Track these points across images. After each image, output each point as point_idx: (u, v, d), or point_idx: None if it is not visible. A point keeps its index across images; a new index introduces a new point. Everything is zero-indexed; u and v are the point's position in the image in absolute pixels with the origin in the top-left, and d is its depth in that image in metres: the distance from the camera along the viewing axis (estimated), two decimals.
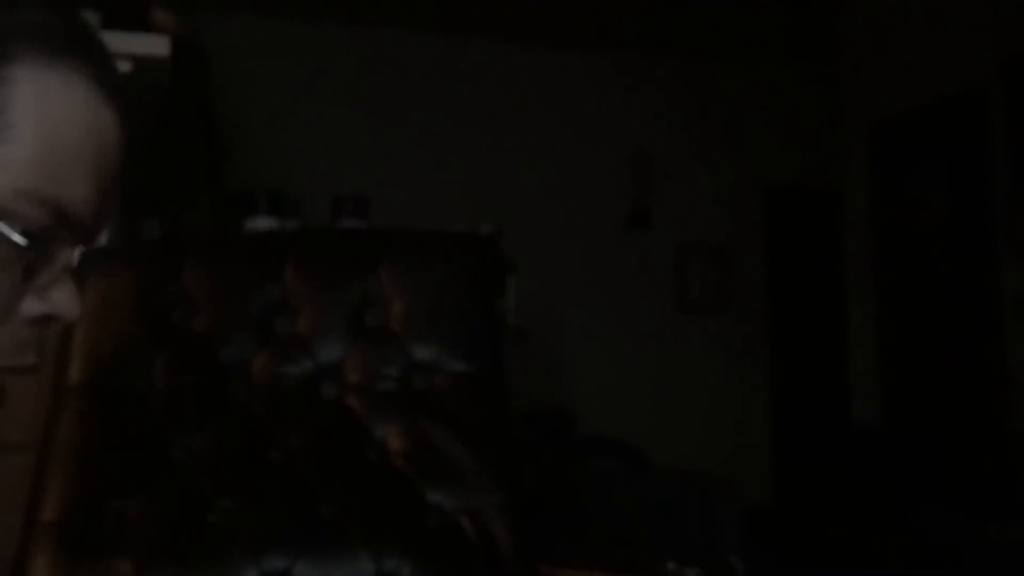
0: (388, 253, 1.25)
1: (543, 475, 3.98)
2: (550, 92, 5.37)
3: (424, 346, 1.21)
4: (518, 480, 1.19)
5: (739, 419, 5.47)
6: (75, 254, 0.58)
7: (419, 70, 5.17)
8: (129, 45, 1.60)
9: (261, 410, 1.18)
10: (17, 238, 0.52)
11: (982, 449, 3.66)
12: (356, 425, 1.18)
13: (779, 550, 4.27)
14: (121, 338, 1.20)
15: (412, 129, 5.12)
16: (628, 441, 4.53)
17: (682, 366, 5.42)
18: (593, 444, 4.51)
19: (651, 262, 5.46)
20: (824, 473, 4.56)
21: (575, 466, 4.32)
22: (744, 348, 5.57)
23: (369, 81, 5.10)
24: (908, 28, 4.25)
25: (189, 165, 2.42)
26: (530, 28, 5.15)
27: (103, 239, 1.56)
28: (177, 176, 2.35)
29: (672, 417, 5.28)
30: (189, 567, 1.07)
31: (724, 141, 5.62)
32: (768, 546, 4.38)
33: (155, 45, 1.63)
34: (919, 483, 3.72)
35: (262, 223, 1.99)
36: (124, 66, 1.60)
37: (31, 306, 0.56)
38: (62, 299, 0.57)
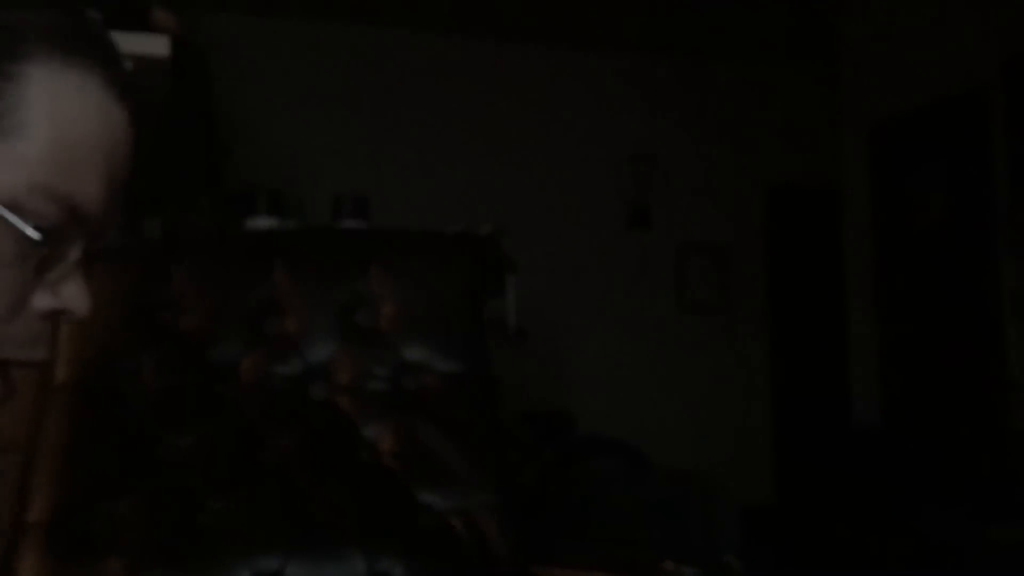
0: (378, 254, 1.25)
1: (543, 475, 3.98)
2: (550, 92, 5.37)
3: (414, 346, 1.20)
4: (509, 479, 1.19)
5: (739, 419, 5.47)
6: (83, 249, 0.59)
7: (419, 70, 5.17)
8: (129, 45, 1.60)
9: (251, 410, 1.18)
10: (31, 233, 0.53)
11: (982, 449, 3.66)
12: (347, 425, 1.17)
13: (779, 550, 4.27)
14: (109, 338, 1.19)
15: (412, 129, 5.12)
16: (628, 441, 4.53)
17: (682, 366, 5.42)
18: (593, 444, 4.51)
19: (651, 262, 5.46)
20: (824, 473, 4.56)
21: (575, 466, 4.32)
22: (744, 348, 5.56)
23: (369, 81, 5.10)
24: (908, 28, 4.25)
25: (189, 165, 2.42)
26: (530, 28, 5.15)
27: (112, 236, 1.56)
28: (177, 176, 2.35)
29: (672, 417, 5.28)
30: (181, 568, 1.07)
31: (724, 141, 5.62)
32: (768, 546, 4.38)
33: (155, 45, 1.63)
34: (919, 483, 3.72)
35: (262, 223, 1.99)
36: (125, 66, 1.60)
37: (42, 300, 0.57)
38: (72, 294, 0.58)
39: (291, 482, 1.13)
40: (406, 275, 1.24)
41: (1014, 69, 3.66)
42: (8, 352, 0.57)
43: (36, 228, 0.53)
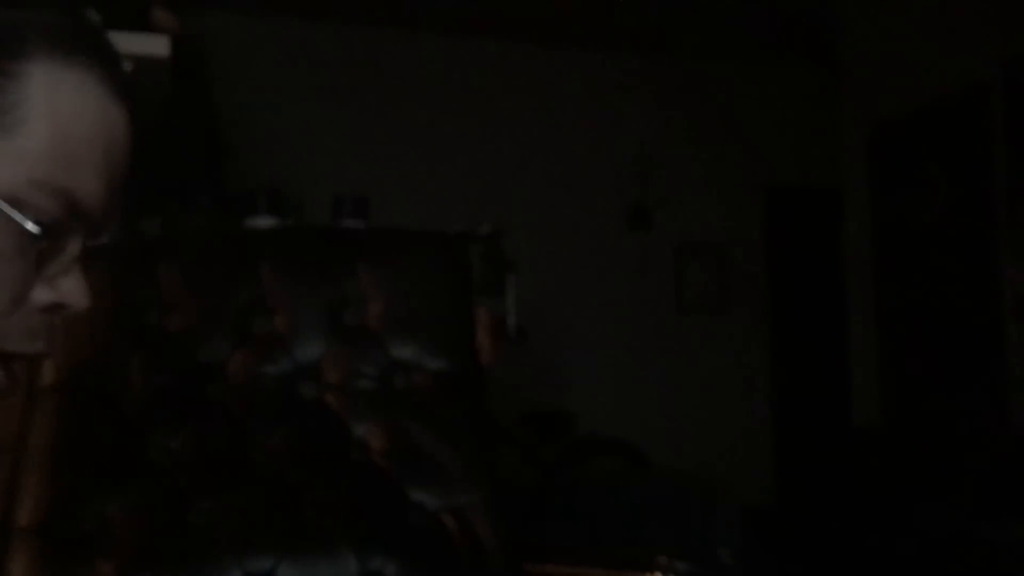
0: (366, 252, 1.25)
1: (543, 475, 3.98)
2: (550, 92, 5.37)
3: (403, 345, 1.20)
4: (500, 477, 1.19)
5: (739, 419, 5.47)
6: (83, 245, 0.60)
7: (419, 70, 5.17)
8: (129, 45, 1.60)
9: (240, 410, 1.17)
10: (31, 227, 0.54)
11: (982, 449, 3.66)
12: (336, 424, 1.17)
13: (779, 550, 4.26)
14: (96, 338, 1.18)
15: (412, 129, 5.12)
16: (628, 441, 4.53)
17: (682, 366, 5.42)
18: (593, 444, 4.51)
19: (651, 262, 5.46)
20: (824, 473, 4.56)
21: (575, 466, 4.32)
22: (744, 348, 5.56)
23: (369, 81, 5.10)
24: (908, 28, 4.25)
25: (189, 165, 2.42)
26: (530, 28, 5.15)
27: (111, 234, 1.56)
28: (177, 176, 2.35)
29: (672, 417, 5.28)
30: (172, 569, 1.06)
31: (724, 141, 5.62)
32: (768, 546, 4.38)
33: (155, 45, 1.63)
34: (919, 483, 3.72)
35: (262, 223, 1.99)
36: (124, 66, 1.60)
37: (42, 294, 0.58)
38: (72, 288, 0.59)
39: (281, 482, 1.13)
40: (394, 273, 1.24)
41: (1014, 69, 3.66)
42: (8, 345, 0.58)
43: (36, 223, 0.54)
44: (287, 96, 4.94)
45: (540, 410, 4.48)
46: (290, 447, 1.15)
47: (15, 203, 0.53)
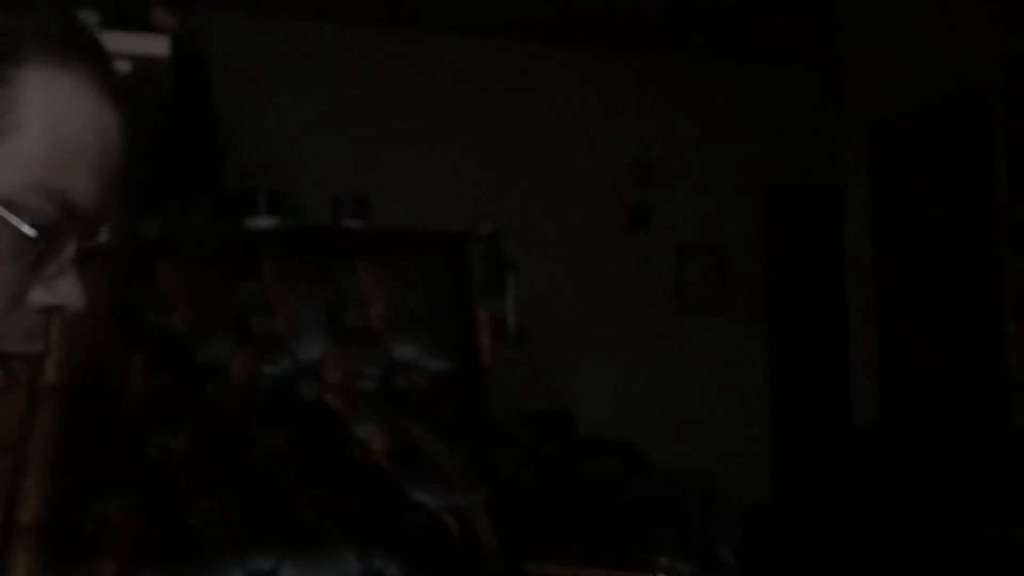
0: (367, 252, 1.25)
1: (543, 475, 3.98)
2: (550, 92, 5.37)
3: (404, 345, 1.20)
4: (501, 478, 1.19)
5: (739, 419, 5.46)
6: (80, 246, 0.61)
7: (419, 70, 5.17)
8: (129, 45, 1.60)
9: (240, 410, 1.17)
10: (27, 230, 0.55)
11: (982, 449, 3.66)
12: (337, 424, 1.17)
13: (779, 550, 4.26)
14: (96, 338, 1.18)
15: (412, 129, 5.12)
16: (628, 441, 4.53)
17: (682, 366, 5.42)
18: (593, 444, 4.51)
19: (651, 262, 5.46)
20: (824, 473, 4.56)
21: (575, 466, 4.32)
22: (744, 348, 5.56)
23: (369, 81, 5.10)
24: (908, 28, 4.25)
25: (189, 165, 2.42)
26: (530, 28, 5.15)
27: (105, 235, 1.56)
28: (177, 176, 2.35)
29: (672, 417, 5.28)
30: (173, 569, 1.07)
31: (724, 141, 5.61)
32: (768, 546, 4.38)
33: (155, 45, 1.63)
34: (919, 483, 3.72)
35: (262, 223, 1.99)
36: (124, 66, 1.60)
37: (39, 296, 0.59)
38: (68, 290, 0.60)
39: (282, 482, 1.13)
40: (395, 273, 1.24)
41: (1014, 69, 3.66)
42: (7, 346, 0.59)
43: (32, 225, 0.55)
44: (287, 96, 4.94)
45: (540, 410, 4.48)
46: (291, 447, 1.15)
47: (11, 206, 0.54)
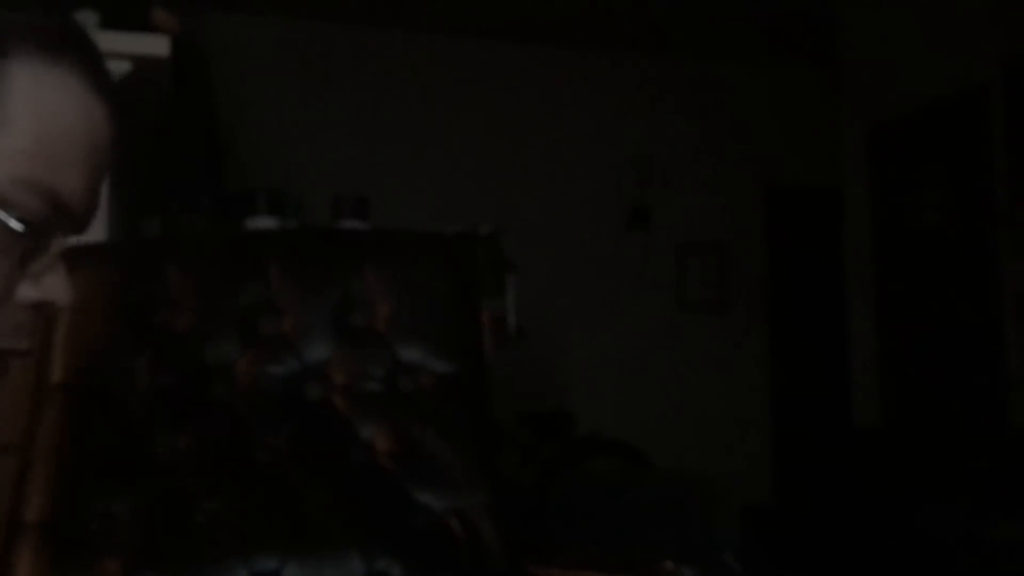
0: (373, 254, 1.25)
1: (543, 475, 3.98)
2: (550, 92, 5.37)
3: (409, 347, 1.20)
4: (505, 480, 1.19)
5: (739, 419, 5.46)
6: (67, 242, 0.61)
7: (419, 70, 5.17)
8: (129, 45, 1.60)
9: (245, 411, 1.17)
10: (14, 225, 0.54)
11: (982, 449, 3.66)
12: (342, 426, 1.17)
13: (779, 550, 4.26)
14: (102, 338, 1.19)
15: (412, 129, 5.12)
16: (628, 441, 4.53)
17: (682, 366, 5.42)
18: (593, 444, 4.51)
19: (651, 262, 5.46)
20: (824, 473, 4.56)
21: (575, 466, 4.32)
22: (744, 348, 5.56)
23: (369, 81, 5.10)
24: (908, 28, 4.25)
25: (189, 165, 2.42)
26: (530, 28, 5.15)
27: (102, 233, 1.56)
28: (177, 176, 2.35)
29: (672, 417, 5.28)
30: (177, 568, 1.07)
31: (724, 141, 5.61)
32: (768, 546, 4.38)
33: (155, 45, 1.63)
34: (919, 483, 3.72)
35: (262, 223, 1.99)
36: (124, 66, 1.60)
37: (26, 292, 0.58)
38: (55, 285, 0.59)
39: (287, 482, 1.13)
40: (401, 275, 1.24)
41: (1014, 69, 3.66)
42: None
43: (19, 220, 0.55)
44: (287, 96, 4.93)
45: (540, 410, 4.48)
46: (295, 448, 1.15)
47: None
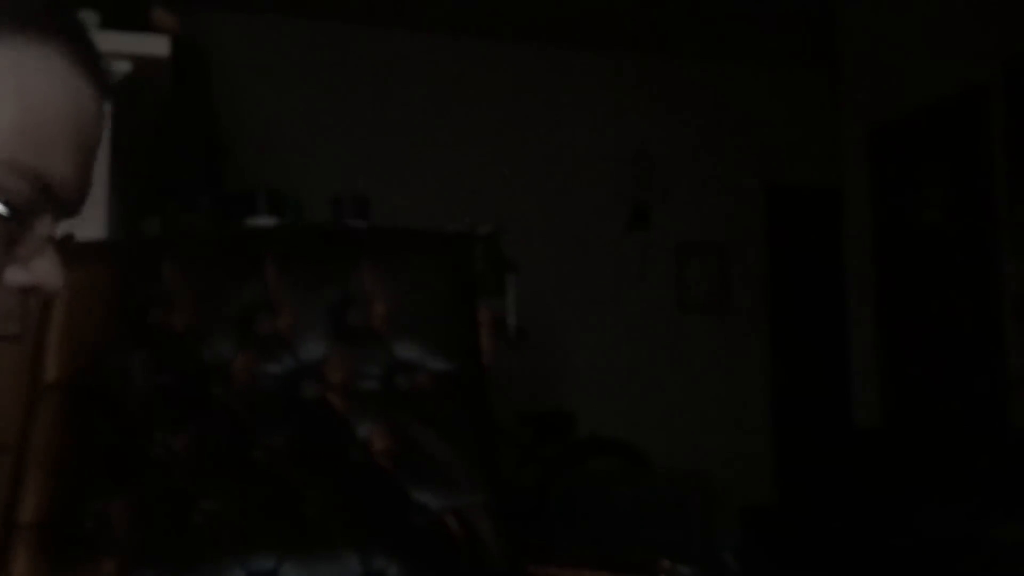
0: (370, 252, 1.25)
1: (543, 475, 3.98)
2: (551, 92, 5.37)
3: (406, 345, 1.20)
4: (503, 479, 1.19)
5: (739, 419, 5.46)
6: (57, 226, 0.59)
7: (419, 70, 5.17)
8: (129, 45, 1.60)
9: (243, 409, 1.17)
10: (0, 208, 0.53)
11: (982, 449, 3.66)
12: (339, 424, 1.17)
13: (779, 550, 4.26)
14: (99, 336, 1.18)
15: (412, 129, 5.12)
16: (628, 441, 4.53)
17: (682, 366, 5.42)
18: (593, 444, 4.52)
19: (651, 262, 5.46)
20: (824, 473, 4.56)
21: (575, 466, 4.33)
22: (744, 348, 5.56)
23: (369, 81, 5.10)
24: (908, 28, 4.25)
25: (189, 165, 2.42)
26: (530, 28, 5.15)
27: (102, 233, 1.56)
28: (177, 176, 2.35)
29: (672, 417, 5.28)
30: (174, 568, 1.06)
31: (724, 141, 5.61)
32: (768, 546, 4.38)
33: (155, 45, 1.63)
34: (919, 483, 3.72)
35: (262, 223, 1.99)
36: (124, 66, 1.60)
37: (14, 276, 0.57)
38: (45, 269, 0.58)
39: (284, 481, 1.13)
40: (398, 273, 1.23)
41: (1014, 69, 3.66)
42: None
43: (5, 203, 0.54)
44: (287, 96, 4.93)
45: (540, 410, 4.48)
46: (293, 447, 1.15)
47: None
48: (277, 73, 4.93)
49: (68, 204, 0.59)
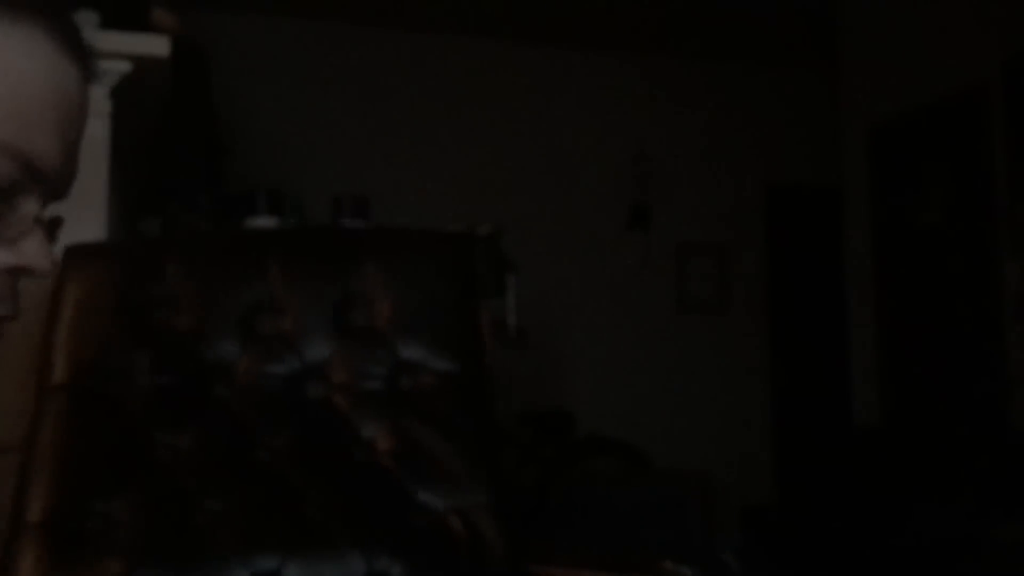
0: (373, 252, 1.25)
1: (543, 475, 3.98)
2: (551, 92, 5.37)
3: (410, 345, 1.20)
4: (505, 479, 1.19)
5: (739, 419, 5.47)
6: (45, 208, 0.59)
7: (419, 70, 5.17)
8: (129, 45, 1.60)
9: (246, 410, 1.17)
10: None
11: (982, 449, 3.66)
12: (343, 425, 1.17)
13: (779, 550, 4.26)
14: (103, 337, 1.18)
15: (412, 129, 5.12)
16: (628, 441, 4.53)
17: (682, 366, 5.42)
18: (593, 444, 4.52)
19: (651, 262, 5.46)
20: (824, 473, 4.56)
21: (575, 466, 4.32)
22: (744, 348, 5.56)
23: (369, 81, 5.10)
24: (908, 28, 4.25)
25: (189, 165, 2.42)
26: (530, 28, 5.15)
27: (102, 233, 1.56)
28: (177, 176, 2.35)
29: (672, 417, 5.28)
30: (177, 568, 1.07)
31: (724, 141, 5.61)
32: (768, 546, 4.38)
33: (155, 45, 1.63)
34: (919, 483, 3.72)
35: (262, 223, 1.99)
36: (124, 66, 1.60)
37: (2, 257, 0.57)
38: (33, 251, 0.58)
39: (287, 482, 1.13)
40: (401, 273, 1.24)
41: (1014, 69, 3.66)
42: None
43: None
44: (287, 96, 4.93)
45: (540, 410, 4.48)
46: (296, 447, 1.15)
47: None
48: (277, 73, 4.93)
49: (54, 185, 0.58)
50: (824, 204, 5.27)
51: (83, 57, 0.59)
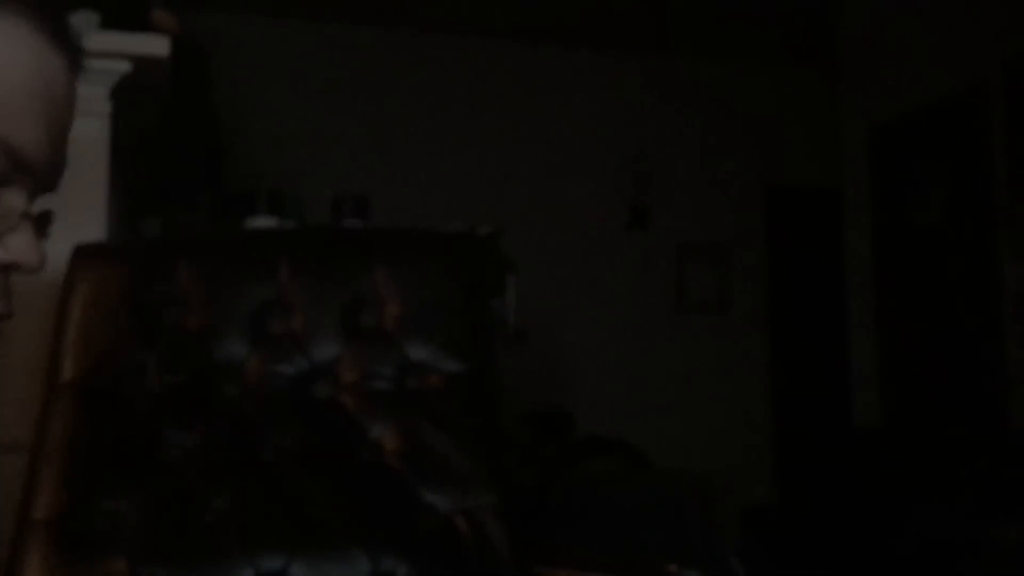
0: (383, 253, 1.25)
1: (543, 475, 3.98)
2: (550, 92, 5.37)
3: (418, 346, 1.20)
4: (512, 480, 1.19)
5: (739, 419, 5.47)
6: (32, 202, 0.58)
7: (419, 70, 5.17)
8: (129, 45, 1.60)
9: (254, 410, 1.17)
10: None
11: (982, 449, 3.66)
12: (350, 425, 1.17)
13: (779, 550, 4.26)
14: (113, 336, 1.19)
15: (412, 129, 5.12)
16: (628, 441, 4.52)
17: (682, 366, 5.42)
18: (593, 444, 4.51)
19: (651, 262, 5.46)
20: (824, 473, 4.56)
21: (575, 466, 4.32)
22: (744, 348, 5.56)
23: (369, 81, 5.10)
24: (908, 28, 4.25)
25: (189, 165, 2.42)
26: (530, 28, 5.15)
27: (102, 233, 1.56)
28: (177, 176, 2.35)
29: (672, 417, 5.28)
30: (185, 567, 1.07)
31: (724, 141, 5.61)
32: (768, 546, 4.38)
33: (155, 45, 1.63)
34: (919, 483, 3.72)
35: (262, 223, 1.99)
36: (124, 66, 1.59)
37: None
38: (21, 246, 0.57)
39: (294, 481, 1.13)
40: (410, 274, 1.24)
41: (1014, 69, 3.66)
42: None
43: None
44: (287, 96, 4.93)
45: (540, 410, 4.48)
46: (304, 447, 1.15)
47: None
48: (277, 73, 4.93)
49: (42, 177, 0.57)
50: (824, 204, 5.27)
51: (70, 48, 0.58)
